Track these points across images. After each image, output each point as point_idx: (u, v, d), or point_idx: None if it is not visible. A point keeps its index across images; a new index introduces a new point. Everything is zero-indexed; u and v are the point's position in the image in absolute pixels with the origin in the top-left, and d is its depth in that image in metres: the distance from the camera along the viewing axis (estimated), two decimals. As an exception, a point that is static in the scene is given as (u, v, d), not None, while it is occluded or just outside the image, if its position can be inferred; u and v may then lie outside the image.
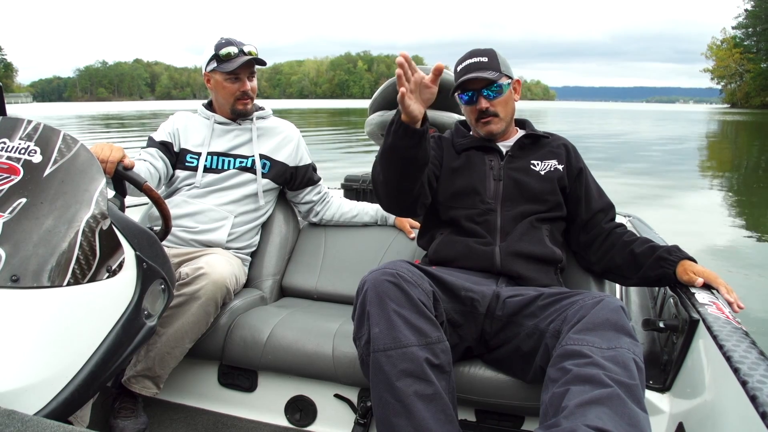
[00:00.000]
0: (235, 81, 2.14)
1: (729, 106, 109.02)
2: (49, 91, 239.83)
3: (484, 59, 1.83)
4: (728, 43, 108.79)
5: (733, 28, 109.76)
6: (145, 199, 2.14)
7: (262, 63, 2.16)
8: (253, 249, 2.29)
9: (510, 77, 1.86)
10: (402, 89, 1.45)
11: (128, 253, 1.36)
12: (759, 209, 9.27)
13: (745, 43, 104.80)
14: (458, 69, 1.86)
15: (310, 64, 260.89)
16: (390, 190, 1.66)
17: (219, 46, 2.11)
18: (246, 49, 2.11)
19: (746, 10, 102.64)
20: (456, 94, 1.88)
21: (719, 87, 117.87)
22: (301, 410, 1.92)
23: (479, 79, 1.80)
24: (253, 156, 2.22)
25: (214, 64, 2.12)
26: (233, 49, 2.09)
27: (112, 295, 1.31)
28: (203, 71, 2.18)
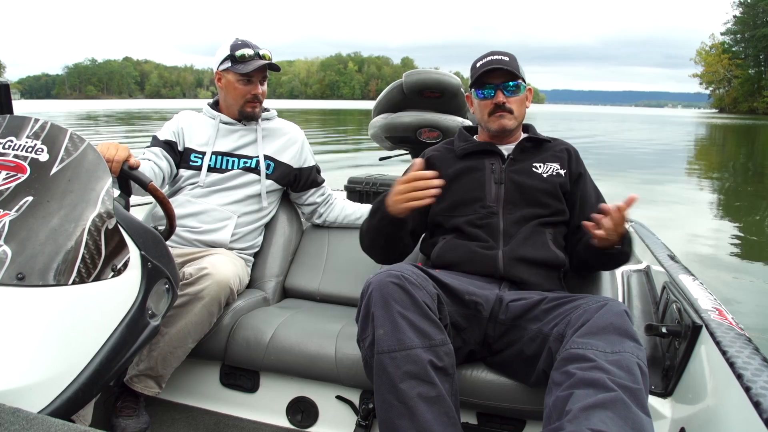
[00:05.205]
0: (247, 83, 2.15)
1: (717, 111, 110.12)
2: (38, 88, 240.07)
3: (506, 58, 1.86)
4: (717, 48, 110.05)
5: (721, 34, 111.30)
6: (149, 199, 2.16)
7: (277, 69, 2.18)
8: (257, 250, 2.30)
9: (525, 82, 1.89)
10: (407, 202, 1.66)
11: (133, 253, 1.36)
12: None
13: (734, 48, 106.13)
14: (478, 65, 1.87)
15: (301, 64, 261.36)
16: (376, 255, 1.95)
17: (235, 47, 2.13)
18: (261, 53, 2.13)
19: (735, 17, 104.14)
20: (472, 90, 1.90)
21: (708, 92, 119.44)
22: (302, 411, 1.92)
23: (501, 72, 1.83)
24: (258, 157, 2.22)
25: (228, 64, 2.13)
26: (249, 51, 2.11)
27: (117, 295, 1.31)
28: (215, 69, 2.19)
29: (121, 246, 1.32)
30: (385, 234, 1.81)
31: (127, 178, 1.65)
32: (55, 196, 1.25)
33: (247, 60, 2.11)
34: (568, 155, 1.94)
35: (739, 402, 1.17)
